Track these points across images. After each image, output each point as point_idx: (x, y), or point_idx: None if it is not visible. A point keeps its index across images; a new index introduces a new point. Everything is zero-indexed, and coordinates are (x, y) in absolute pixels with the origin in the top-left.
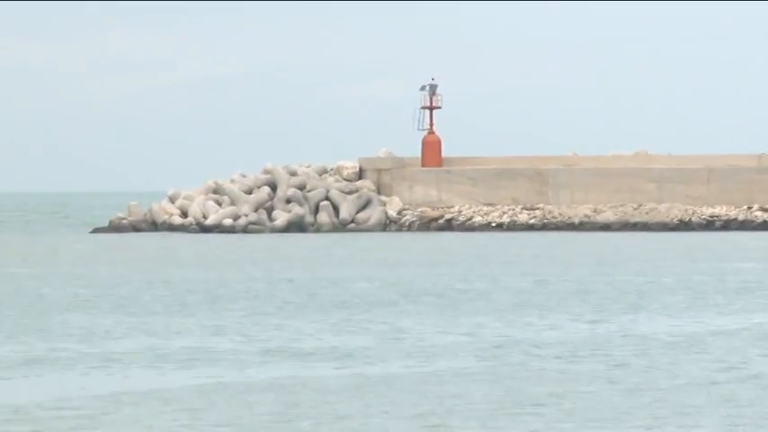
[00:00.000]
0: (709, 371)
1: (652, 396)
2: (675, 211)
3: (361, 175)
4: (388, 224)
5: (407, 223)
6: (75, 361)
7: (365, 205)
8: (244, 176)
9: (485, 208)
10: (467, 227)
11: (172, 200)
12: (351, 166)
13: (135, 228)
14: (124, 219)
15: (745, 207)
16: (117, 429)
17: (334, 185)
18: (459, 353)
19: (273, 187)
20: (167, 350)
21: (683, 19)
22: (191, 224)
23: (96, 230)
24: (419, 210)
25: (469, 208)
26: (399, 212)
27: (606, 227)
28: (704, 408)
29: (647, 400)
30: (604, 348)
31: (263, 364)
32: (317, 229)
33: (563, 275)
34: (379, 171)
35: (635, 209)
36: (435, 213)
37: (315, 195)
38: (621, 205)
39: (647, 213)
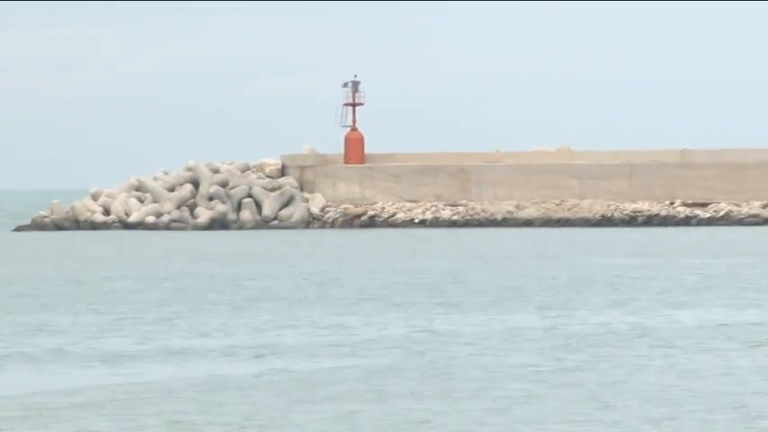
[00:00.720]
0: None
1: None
2: (598, 207)
3: (283, 171)
4: (311, 221)
5: (330, 220)
6: None
7: (288, 202)
8: (166, 174)
9: (408, 204)
10: (389, 223)
11: (94, 197)
12: (273, 163)
13: (57, 226)
14: (46, 217)
15: (668, 203)
16: None
17: (256, 182)
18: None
19: (196, 184)
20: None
21: (602, 17)
22: (113, 222)
23: (19, 228)
24: (342, 207)
25: (392, 205)
26: (322, 209)
27: (529, 223)
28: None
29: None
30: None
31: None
32: (240, 226)
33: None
34: (301, 168)
35: (557, 205)
36: (358, 210)
37: (237, 192)
38: (544, 201)
39: (569, 210)
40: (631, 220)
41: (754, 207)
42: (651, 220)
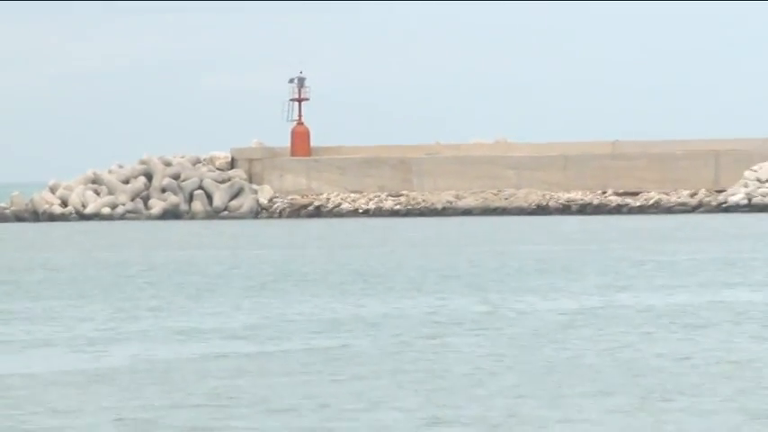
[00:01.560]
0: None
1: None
2: (533, 197)
3: (233, 164)
4: (259, 211)
5: (278, 210)
6: None
7: (237, 193)
8: (121, 167)
9: (352, 195)
10: (335, 213)
11: (52, 190)
12: (223, 156)
13: (17, 217)
14: (6, 209)
15: (600, 192)
16: None
17: (207, 175)
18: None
19: (149, 177)
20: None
21: (536, 10)
22: (70, 213)
23: None
24: (289, 197)
25: (337, 195)
26: (270, 200)
27: (468, 212)
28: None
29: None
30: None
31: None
32: (192, 216)
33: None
34: (250, 161)
35: (495, 194)
36: (305, 201)
37: (189, 185)
38: (482, 191)
39: (506, 199)
40: (565, 209)
41: (682, 196)
42: (584, 209)
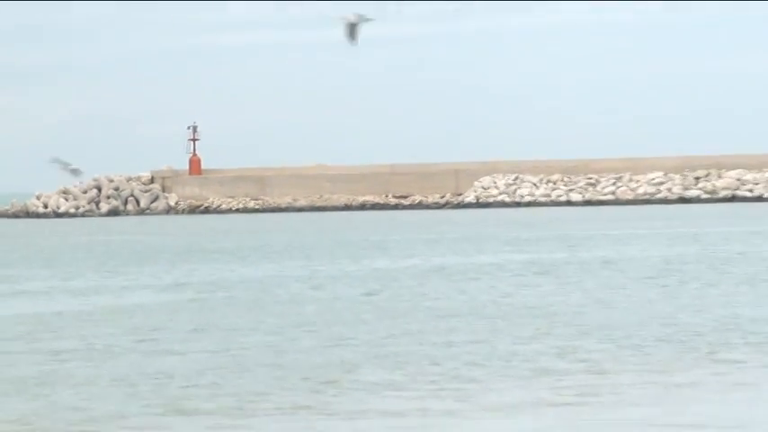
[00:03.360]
0: None
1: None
2: (342, 199)
3: (152, 180)
4: (169, 210)
5: (181, 210)
6: None
7: (155, 199)
8: (81, 183)
9: (228, 199)
10: (217, 212)
11: (38, 198)
12: (145, 175)
13: (16, 215)
14: (9, 210)
15: (384, 195)
16: None
17: (136, 187)
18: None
19: (99, 189)
20: None
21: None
22: (50, 212)
23: None
24: (188, 201)
25: (219, 200)
26: (176, 203)
27: (301, 209)
28: None
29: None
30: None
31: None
32: (126, 214)
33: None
34: (163, 178)
35: (317, 198)
36: (198, 203)
37: (124, 193)
38: (309, 196)
39: (325, 201)
40: (363, 206)
41: (435, 198)
42: (374, 207)
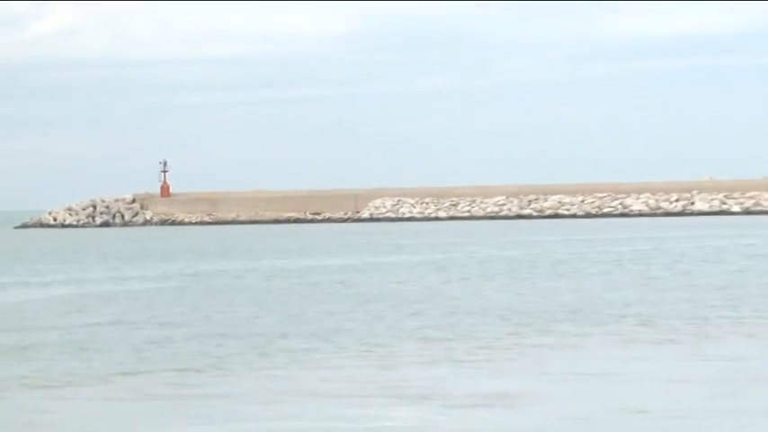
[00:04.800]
0: None
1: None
2: (273, 214)
3: (134, 200)
4: (146, 223)
5: (154, 222)
6: None
7: (136, 214)
8: (81, 202)
9: (188, 215)
10: (180, 224)
11: (49, 213)
12: (129, 197)
13: (33, 226)
14: (29, 222)
15: (303, 212)
16: None
17: (122, 205)
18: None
19: (95, 206)
20: None
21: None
22: (58, 224)
23: (16, 227)
24: (160, 216)
25: (183, 216)
26: (151, 218)
27: (243, 223)
28: None
29: None
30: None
31: None
32: (115, 225)
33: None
34: (142, 199)
35: (255, 214)
36: (167, 218)
37: (113, 210)
38: (249, 213)
39: (260, 216)
40: (286, 221)
41: (341, 214)
42: (297, 221)
